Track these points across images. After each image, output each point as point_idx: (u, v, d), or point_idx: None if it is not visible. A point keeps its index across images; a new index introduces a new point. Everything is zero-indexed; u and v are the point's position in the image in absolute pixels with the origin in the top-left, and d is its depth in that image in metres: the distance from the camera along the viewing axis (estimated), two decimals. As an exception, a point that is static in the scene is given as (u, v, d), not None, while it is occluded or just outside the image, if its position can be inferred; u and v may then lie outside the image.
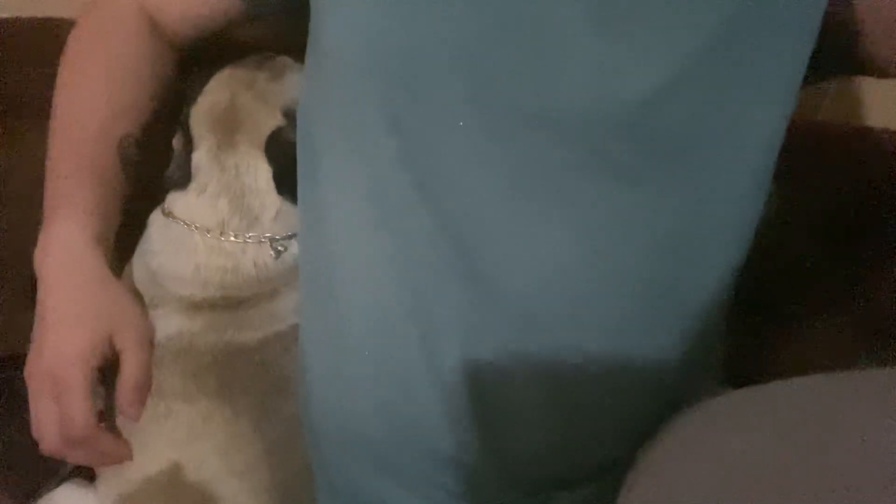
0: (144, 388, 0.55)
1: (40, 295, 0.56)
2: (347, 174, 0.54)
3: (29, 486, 0.66)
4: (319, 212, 0.57)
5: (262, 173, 0.60)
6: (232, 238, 0.60)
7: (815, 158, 0.69)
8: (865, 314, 0.67)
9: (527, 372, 0.49)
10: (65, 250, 0.55)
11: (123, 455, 0.55)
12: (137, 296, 0.60)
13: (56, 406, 0.52)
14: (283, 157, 0.60)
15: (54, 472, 0.65)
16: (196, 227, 0.60)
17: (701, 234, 0.51)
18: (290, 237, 0.61)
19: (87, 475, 0.62)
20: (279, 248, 0.61)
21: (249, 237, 0.60)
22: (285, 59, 0.65)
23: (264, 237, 0.60)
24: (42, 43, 0.78)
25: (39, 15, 0.77)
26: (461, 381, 0.50)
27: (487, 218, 0.50)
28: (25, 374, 0.54)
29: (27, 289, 0.73)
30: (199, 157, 0.60)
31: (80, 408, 0.52)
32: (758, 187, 0.52)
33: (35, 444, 0.54)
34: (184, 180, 0.61)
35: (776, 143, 0.51)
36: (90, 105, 0.60)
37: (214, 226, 0.60)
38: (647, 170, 0.50)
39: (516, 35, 0.49)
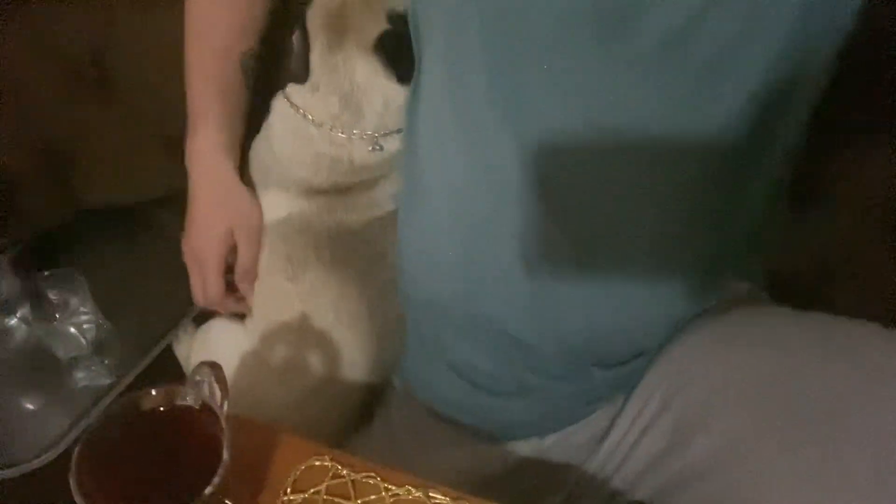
0: (252, 272, 0.74)
1: (191, 191, 0.73)
2: (441, 97, 0.62)
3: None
4: (416, 122, 0.66)
5: (367, 74, 0.68)
6: (340, 133, 0.70)
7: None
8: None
9: (579, 275, 0.59)
10: (203, 158, 0.72)
11: (243, 310, 0.77)
12: (255, 198, 0.75)
13: (200, 276, 0.73)
14: (394, 54, 0.67)
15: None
16: (312, 119, 0.70)
17: (761, 151, 0.58)
18: (390, 133, 0.71)
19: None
20: (377, 146, 0.70)
21: (355, 133, 0.70)
22: None
23: (366, 134, 0.70)
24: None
25: None
26: (524, 278, 0.60)
27: (561, 148, 0.57)
28: (183, 250, 0.74)
29: (166, 144, 0.87)
30: (314, 57, 0.69)
31: (213, 280, 0.74)
32: (813, 100, 0.57)
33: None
34: (304, 75, 0.70)
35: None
36: (215, 25, 0.71)
37: (328, 119, 0.70)
38: (722, 101, 0.55)
39: None
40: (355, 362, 0.74)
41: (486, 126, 0.59)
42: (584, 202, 0.58)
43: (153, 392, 0.49)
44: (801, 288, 0.75)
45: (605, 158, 0.57)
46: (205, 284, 0.74)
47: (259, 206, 0.74)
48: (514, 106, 0.58)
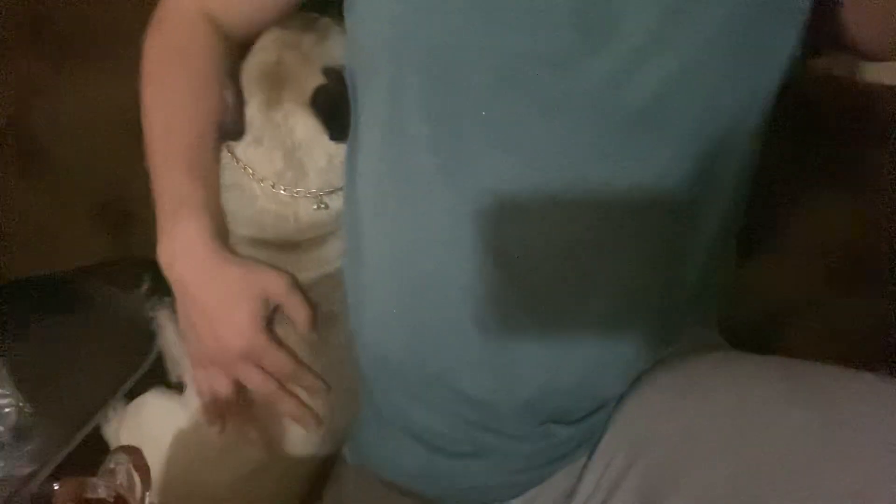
0: (314, 317, 0.66)
1: (182, 293, 0.65)
2: (381, 152, 0.60)
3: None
4: (355, 178, 0.64)
5: (308, 131, 0.66)
6: (282, 191, 0.67)
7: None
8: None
9: (532, 330, 0.57)
10: (195, 249, 0.63)
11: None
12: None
13: (245, 372, 0.65)
14: (330, 110, 0.66)
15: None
16: (254, 175, 0.67)
17: (704, 199, 0.58)
18: (336, 191, 0.68)
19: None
20: (322, 205, 0.68)
21: (298, 191, 0.68)
22: (328, 21, 0.69)
23: (310, 192, 0.68)
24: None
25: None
26: (475, 335, 0.58)
27: (505, 201, 0.56)
28: (193, 361, 0.67)
29: (93, 213, 0.82)
30: (252, 112, 0.67)
31: (273, 359, 0.64)
32: (756, 148, 0.58)
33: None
34: (237, 131, 0.67)
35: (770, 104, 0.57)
36: (184, 117, 0.66)
37: (271, 176, 0.67)
38: (660, 150, 0.55)
39: (539, 23, 0.54)
40: (304, 436, 0.69)
41: (428, 180, 0.58)
42: (532, 256, 0.57)
43: (56, 485, 0.43)
44: (754, 333, 0.74)
45: (548, 211, 0.56)
46: (255, 378, 0.65)
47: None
48: (456, 159, 0.57)
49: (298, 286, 0.66)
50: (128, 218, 0.84)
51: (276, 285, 0.65)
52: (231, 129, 0.68)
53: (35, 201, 0.84)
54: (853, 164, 0.70)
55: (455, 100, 0.56)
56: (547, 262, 0.57)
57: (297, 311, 0.66)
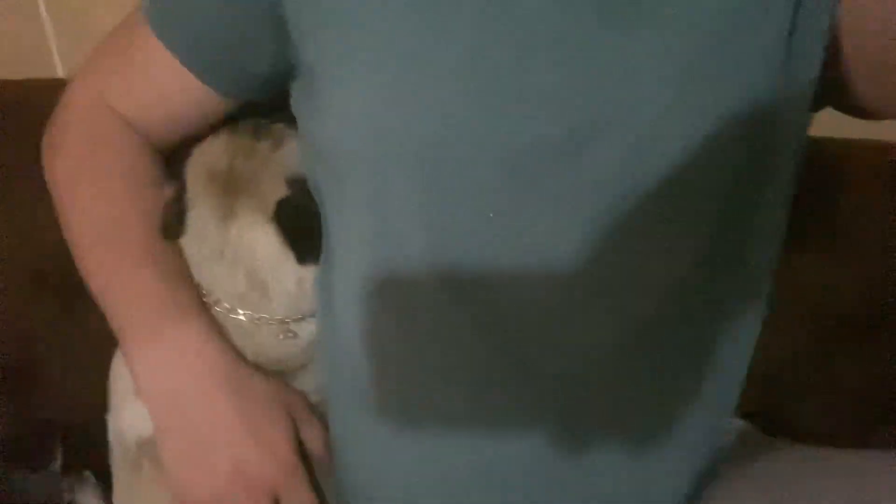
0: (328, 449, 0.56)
1: (174, 415, 0.52)
2: (362, 271, 0.51)
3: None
4: (330, 301, 0.55)
5: (270, 248, 0.56)
6: (241, 316, 0.57)
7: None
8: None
9: (534, 427, 0.50)
10: (201, 357, 0.52)
11: None
12: None
13: None
14: (296, 225, 0.57)
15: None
16: (206, 295, 0.56)
17: (734, 282, 0.52)
18: (305, 318, 0.58)
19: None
20: (289, 333, 0.58)
21: (259, 318, 0.57)
22: (282, 127, 0.61)
23: (274, 319, 0.57)
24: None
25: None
26: (472, 444, 0.50)
27: (528, 313, 0.49)
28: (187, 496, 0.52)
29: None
30: (204, 217, 0.56)
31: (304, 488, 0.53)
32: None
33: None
34: (176, 229, 0.57)
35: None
36: (132, 210, 0.55)
37: (232, 298, 0.56)
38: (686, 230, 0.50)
39: (545, 107, 0.48)
40: None
41: (432, 303, 0.50)
42: (569, 374, 0.51)
43: None
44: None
45: (580, 322, 0.50)
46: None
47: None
48: (463, 274, 0.49)
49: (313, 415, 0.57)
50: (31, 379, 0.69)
51: (299, 403, 0.55)
52: (174, 226, 0.57)
53: None
54: (831, 225, 0.70)
55: (456, 204, 0.48)
56: (587, 376, 0.50)
57: (316, 432, 0.56)
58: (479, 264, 0.48)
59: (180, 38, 0.53)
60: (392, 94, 0.46)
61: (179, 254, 0.56)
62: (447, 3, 0.45)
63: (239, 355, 0.55)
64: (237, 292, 0.56)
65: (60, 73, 0.84)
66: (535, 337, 0.49)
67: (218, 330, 0.54)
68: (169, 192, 0.57)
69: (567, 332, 0.50)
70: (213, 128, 0.60)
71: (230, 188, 0.57)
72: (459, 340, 0.50)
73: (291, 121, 0.59)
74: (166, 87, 0.55)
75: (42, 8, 0.79)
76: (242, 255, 0.56)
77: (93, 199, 0.56)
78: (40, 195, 0.58)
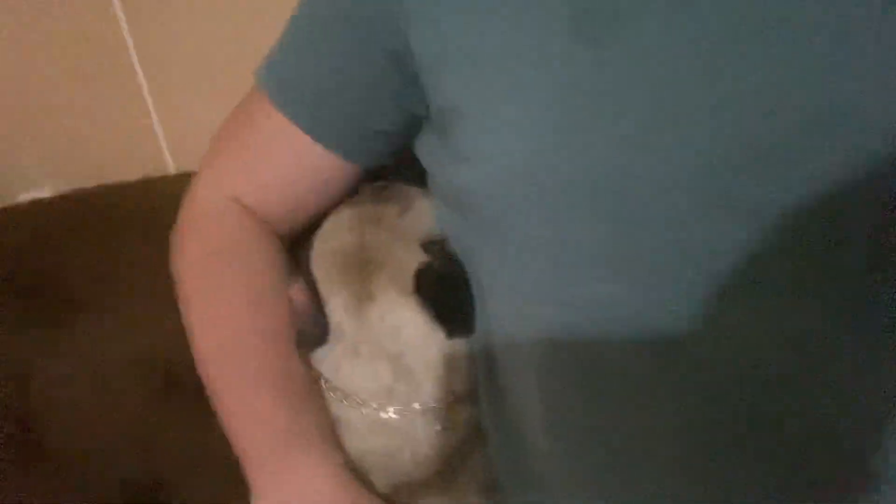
0: None
1: None
2: (535, 330, 0.44)
3: None
4: (492, 372, 0.48)
5: (416, 327, 0.49)
6: (392, 413, 0.49)
7: None
8: None
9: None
10: (323, 489, 0.46)
11: None
12: None
13: None
14: (442, 295, 0.49)
15: None
16: (347, 400, 0.49)
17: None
18: (461, 400, 0.50)
19: None
20: (447, 423, 0.49)
21: (412, 409, 0.49)
22: (406, 187, 0.55)
23: (427, 408, 0.49)
24: (91, 217, 0.69)
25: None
26: None
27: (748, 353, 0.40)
28: None
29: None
30: (338, 312, 0.49)
31: None
32: None
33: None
34: (321, 336, 0.50)
35: None
36: (251, 330, 0.50)
37: (378, 395, 0.49)
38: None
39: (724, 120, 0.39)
40: None
41: (635, 359, 0.42)
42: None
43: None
44: None
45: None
46: None
47: None
48: (665, 319, 0.41)
49: None
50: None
51: None
52: (310, 334, 0.50)
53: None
54: None
55: (649, 237, 0.40)
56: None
57: None
58: (684, 310, 0.40)
59: (301, 104, 0.49)
60: (559, 124, 0.40)
61: (305, 369, 0.50)
62: (603, 17, 0.38)
63: (362, 488, 0.48)
64: (383, 387, 0.49)
65: (171, 169, 0.82)
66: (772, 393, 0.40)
67: (342, 460, 0.48)
68: (298, 293, 0.51)
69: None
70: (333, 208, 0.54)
71: (365, 268, 0.50)
72: (668, 406, 0.41)
73: (409, 179, 0.53)
74: (287, 161, 0.51)
75: (150, 105, 0.78)
76: (385, 342, 0.49)
77: (212, 312, 0.51)
78: (171, 296, 0.54)
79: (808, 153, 0.38)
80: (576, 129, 0.39)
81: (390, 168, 0.55)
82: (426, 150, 0.49)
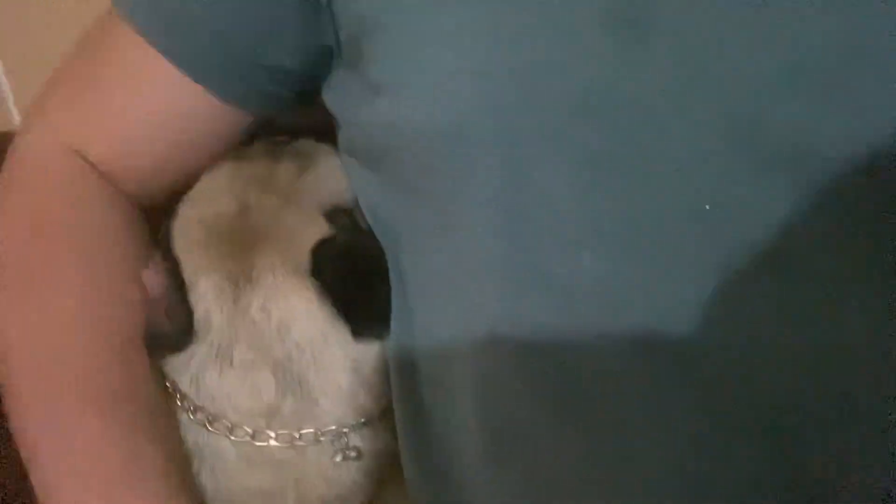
0: None
1: None
2: (485, 325, 0.33)
3: None
4: (414, 382, 0.36)
5: (312, 322, 0.36)
6: (274, 440, 0.36)
7: None
8: None
9: None
10: None
11: None
12: None
13: None
14: (344, 280, 0.37)
15: None
16: (214, 424, 0.36)
17: None
18: (370, 422, 0.38)
19: None
20: (349, 451, 0.37)
21: (302, 435, 0.36)
22: (311, 143, 0.42)
23: (326, 432, 0.37)
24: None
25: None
26: None
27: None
28: None
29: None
30: (206, 301, 0.36)
31: None
32: None
33: None
34: (181, 337, 0.37)
35: None
36: (81, 330, 0.36)
37: (256, 416, 0.36)
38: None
39: None
40: None
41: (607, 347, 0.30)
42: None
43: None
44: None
45: None
46: None
47: None
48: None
49: None
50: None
51: None
52: (166, 333, 0.37)
53: None
54: None
55: (647, 188, 0.29)
56: None
57: None
58: (693, 298, 0.29)
59: (168, 25, 0.37)
60: (522, 27, 0.30)
61: (154, 384, 0.37)
62: None
63: None
64: (262, 405, 0.36)
65: (17, 123, 0.67)
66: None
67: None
68: (152, 277, 0.37)
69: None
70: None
71: (246, 242, 0.37)
72: (666, 427, 0.30)
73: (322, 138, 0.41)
74: (148, 102, 0.39)
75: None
76: (268, 342, 0.36)
77: (30, 300, 0.37)
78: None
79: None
80: (550, 33, 0.29)
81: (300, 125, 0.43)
82: (334, 92, 0.38)
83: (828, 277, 0.29)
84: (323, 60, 0.37)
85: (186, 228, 0.38)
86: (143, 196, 0.41)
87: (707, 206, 0.28)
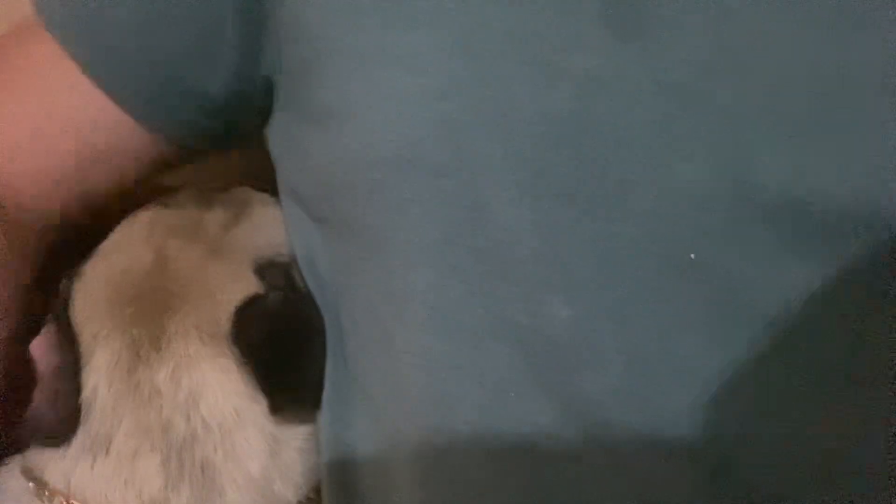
0: None
1: None
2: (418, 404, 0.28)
3: None
4: (350, 469, 0.30)
5: (223, 391, 0.30)
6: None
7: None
8: None
9: None
10: None
11: None
12: None
13: None
14: (268, 346, 0.31)
15: None
16: None
17: None
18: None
19: None
20: None
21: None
22: (247, 191, 0.38)
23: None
24: None
25: None
26: None
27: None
28: None
29: None
30: (97, 375, 0.30)
31: None
32: None
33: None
34: (64, 426, 0.30)
35: None
36: None
37: None
38: None
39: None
40: None
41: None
42: None
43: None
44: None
45: None
46: None
47: None
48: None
49: None
50: None
51: None
52: (50, 420, 0.31)
53: None
54: None
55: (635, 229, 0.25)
56: None
57: None
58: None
59: (79, 23, 0.33)
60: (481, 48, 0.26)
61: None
62: None
63: None
64: (145, 500, 0.29)
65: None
66: None
67: None
68: (39, 348, 0.32)
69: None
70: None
71: (157, 303, 0.32)
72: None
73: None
74: (42, 105, 0.34)
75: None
76: (167, 419, 0.30)
77: None
78: None
79: None
80: (516, 55, 0.25)
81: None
82: (275, 131, 0.34)
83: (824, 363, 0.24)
84: (255, 94, 0.33)
85: (92, 285, 0.32)
86: (41, 213, 0.36)
87: (692, 256, 0.23)
